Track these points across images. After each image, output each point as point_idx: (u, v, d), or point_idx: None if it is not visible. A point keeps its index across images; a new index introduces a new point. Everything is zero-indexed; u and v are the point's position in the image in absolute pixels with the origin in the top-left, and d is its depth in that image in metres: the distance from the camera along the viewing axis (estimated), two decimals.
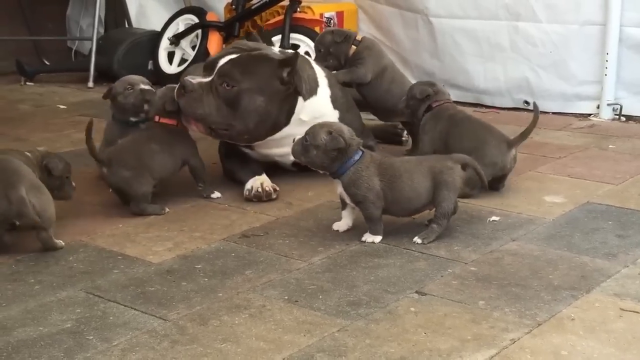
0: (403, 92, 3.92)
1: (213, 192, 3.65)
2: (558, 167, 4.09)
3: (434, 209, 3.11)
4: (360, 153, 3.07)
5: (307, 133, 3.07)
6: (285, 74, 3.55)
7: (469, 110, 5.35)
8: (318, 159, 3.05)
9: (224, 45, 6.33)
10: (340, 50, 4.23)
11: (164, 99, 3.59)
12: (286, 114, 3.63)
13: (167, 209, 3.47)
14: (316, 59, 4.18)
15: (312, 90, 3.73)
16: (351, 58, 4.21)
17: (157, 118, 3.60)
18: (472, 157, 3.24)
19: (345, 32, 4.29)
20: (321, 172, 3.13)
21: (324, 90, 3.83)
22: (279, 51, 3.81)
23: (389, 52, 5.96)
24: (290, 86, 3.59)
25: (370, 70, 4.19)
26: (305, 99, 3.68)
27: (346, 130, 3.08)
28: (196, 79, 3.56)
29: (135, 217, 3.41)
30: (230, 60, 3.60)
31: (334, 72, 4.16)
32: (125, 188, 3.42)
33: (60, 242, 3.06)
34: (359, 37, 4.30)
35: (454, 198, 3.07)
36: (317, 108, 3.73)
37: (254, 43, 3.84)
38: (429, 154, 3.56)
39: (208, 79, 3.56)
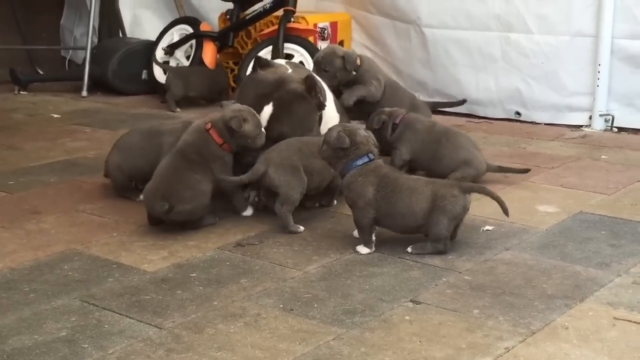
0: (399, 106, 4.09)
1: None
2: (551, 177, 4.10)
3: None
4: (366, 159, 3.09)
5: (328, 129, 3.20)
6: (316, 100, 3.54)
7: (461, 122, 5.39)
8: (326, 154, 3.14)
9: (218, 56, 6.34)
10: (345, 77, 4.24)
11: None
12: (319, 128, 3.66)
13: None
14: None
15: (324, 98, 3.75)
16: (354, 80, 4.23)
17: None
18: (464, 168, 3.77)
19: (355, 60, 4.25)
20: (332, 170, 3.25)
21: (329, 94, 3.84)
22: (287, 63, 3.77)
23: (381, 62, 6.00)
24: (322, 107, 3.60)
25: (381, 89, 4.25)
26: (324, 109, 3.68)
27: (362, 133, 3.13)
28: None
29: (131, 225, 3.40)
30: (272, 115, 3.48)
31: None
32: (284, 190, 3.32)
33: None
34: (357, 61, 4.31)
35: (449, 225, 3.02)
36: (327, 113, 3.74)
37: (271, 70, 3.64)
38: (406, 161, 3.85)
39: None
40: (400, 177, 3.11)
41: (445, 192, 3.02)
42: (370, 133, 3.21)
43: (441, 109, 5.33)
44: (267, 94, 3.50)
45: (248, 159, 3.42)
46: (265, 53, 5.76)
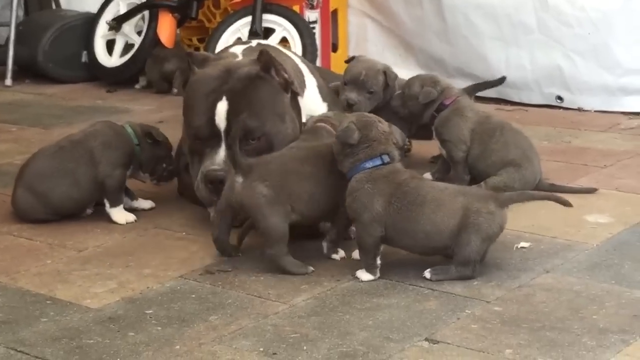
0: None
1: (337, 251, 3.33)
2: (603, 178, 4.12)
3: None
4: (379, 162, 3.10)
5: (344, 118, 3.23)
6: (277, 78, 3.50)
7: (490, 109, 5.39)
8: (335, 148, 3.16)
9: (178, 31, 6.34)
10: (386, 97, 4.19)
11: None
12: (299, 120, 3.63)
13: (311, 268, 3.18)
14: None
15: (302, 83, 3.71)
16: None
17: None
18: (510, 171, 3.81)
19: (395, 75, 4.24)
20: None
21: (309, 79, 3.83)
22: (242, 50, 3.80)
23: (387, 35, 6.02)
24: (289, 86, 3.55)
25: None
26: (302, 95, 3.67)
27: (380, 128, 3.12)
28: (219, 162, 3.41)
29: (68, 250, 3.41)
30: (229, 110, 3.43)
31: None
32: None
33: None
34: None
35: (481, 247, 3.05)
36: (308, 103, 3.72)
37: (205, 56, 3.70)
38: (462, 161, 3.91)
39: (223, 152, 3.43)
40: (423, 185, 3.12)
41: (480, 207, 3.04)
42: (395, 128, 3.21)
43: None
44: (215, 89, 3.48)
45: None
46: (239, 27, 5.77)
